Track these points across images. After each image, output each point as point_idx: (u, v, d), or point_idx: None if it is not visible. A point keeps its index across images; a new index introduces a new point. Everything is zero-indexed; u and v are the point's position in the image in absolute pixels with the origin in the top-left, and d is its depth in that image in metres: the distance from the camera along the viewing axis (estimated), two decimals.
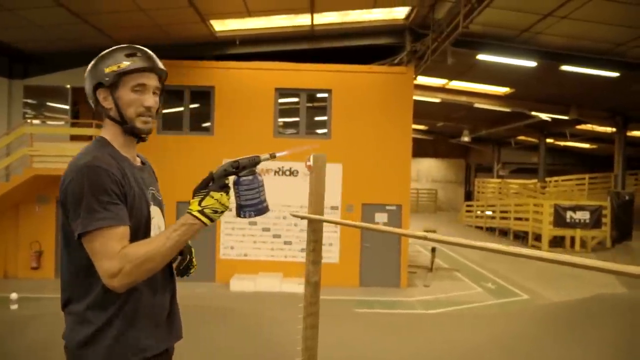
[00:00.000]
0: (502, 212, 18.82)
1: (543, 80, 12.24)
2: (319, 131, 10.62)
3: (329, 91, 10.25)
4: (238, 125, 10.20)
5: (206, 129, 10.46)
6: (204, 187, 1.48)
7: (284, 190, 10.07)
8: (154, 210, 1.58)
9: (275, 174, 10.17)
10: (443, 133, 25.50)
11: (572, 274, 11.89)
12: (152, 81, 1.54)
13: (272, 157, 1.63)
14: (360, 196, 10.23)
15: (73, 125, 10.16)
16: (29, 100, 10.65)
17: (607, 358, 5.03)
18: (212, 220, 1.45)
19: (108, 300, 1.43)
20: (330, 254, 10.22)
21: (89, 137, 9.39)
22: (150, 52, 1.57)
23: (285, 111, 10.72)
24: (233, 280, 9.73)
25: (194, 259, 1.75)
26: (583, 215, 14.89)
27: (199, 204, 1.44)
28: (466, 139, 21.24)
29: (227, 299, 8.09)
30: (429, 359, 5.60)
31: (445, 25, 7.97)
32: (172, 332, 1.66)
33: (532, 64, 10.22)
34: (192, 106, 10.53)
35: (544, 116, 15.84)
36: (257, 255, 10.24)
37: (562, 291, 9.85)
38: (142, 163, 1.69)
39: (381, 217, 10.30)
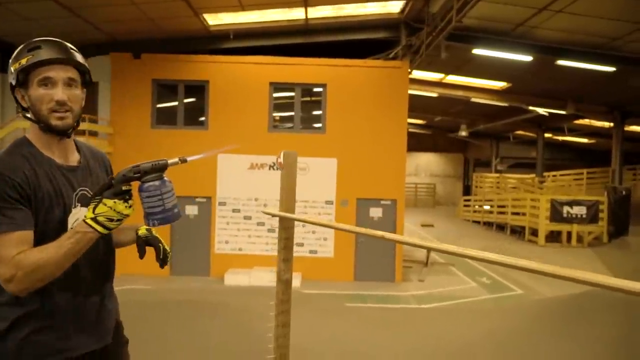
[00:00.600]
0: (499, 206, 18.82)
1: (539, 75, 12.19)
2: (314, 125, 10.58)
3: (323, 85, 10.21)
4: (233, 120, 10.17)
5: (201, 124, 10.43)
6: (99, 194, 1.41)
7: (278, 185, 10.03)
8: (80, 212, 1.51)
9: (270, 169, 10.15)
10: (441, 127, 25.44)
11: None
12: (61, 73, 1.44)
13: (183, 161, 1.51)
14: (355, 191, 10.22)
15: None
16: None
17: (600, 353, 5.04)
18: (108, 228, 1.39)
19: (20, 299, 1.41)
20: (325, 248, 10.23)
21: (83, 132, 9.36)
22: (61, 42, 1.49)
23: (280, 106, 10.69)
24: (227, 274, 9.74)
25: (166, 248, 1.70)
26: (580, 210, 14.89)
27: (93, 211, 1.38)
28: (464, 133, 21.19)
29: (221, 294, 8.10)
30: (422, 354, 5.61)
31: (440, 19, 7.92)
32: (97, 335, 1.61)
33: (528, 58, 10.17)
34: (186, 100, 10.50)
35: (542, 111, 15.78)
36: (252, 249, 10.24)
37: (556, 286, 9.85)
38: (80, 162, 1.61)
39: (376, 212, 10.30)
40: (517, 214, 17.23)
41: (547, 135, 21.65)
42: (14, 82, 1.45)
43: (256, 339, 5.05)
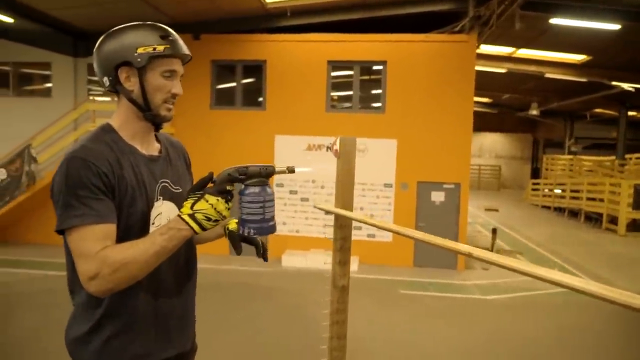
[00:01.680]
0: (572, 191, 17.48)
1: (627, 46, 10.91)
2: (373, 105, 10.19)
3: (383, 63, 9.75)
4: (290, 100, 10.03)
5: (258, 104, 10.38)
6: (199, 189, 1.31)
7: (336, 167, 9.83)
8: (162, 205, 1.42)
9: (327, 150, 9.94)
10: (509, 106, 23.93)
11: None
12: (180, 67, 1.46)
13: (290, 171, 1.44)
14: (415, 174, 9.78)
15: None
16: (93, 78, 11.10)
17: None
18: (203, 228, 1.27)
19: (99, 300, 1.31)
20: (384, 232, 9.93)
21: None
22: (177, 35, 1.47)
23: (338, 85, 10.37)
24: (285, 255, 9.76)
25: (264, 242, 1.57)
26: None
27: (191, 207, 1.28)
28: (534, 112, 19.74)
29: (277, 276, 8.09)
30: (483, 349, 5.27)
31: None
32: (178, 341, 1.50)
33: (614, 26, 9.08)
34: (244, 81, 10.47)
35: (626, 86, 14.25)
36: (309, 231, 10.17)
37: (638, 280, 8.96)
38: (161, 152, 1.52)
39: (438, 196, 9.81)
40: (594, 199, 15.90)
41: (630, 113, 19.64)
42: (136, 64, 1.36)
43: (309, 325, 4.94)
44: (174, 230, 1.26)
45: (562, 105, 19.36)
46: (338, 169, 1.86)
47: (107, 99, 11.19)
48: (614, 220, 14.59)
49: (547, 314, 7.00)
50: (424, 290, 8.18)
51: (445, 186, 9.80)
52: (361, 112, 10.02)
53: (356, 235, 10.50)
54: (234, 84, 10.43)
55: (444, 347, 5.09)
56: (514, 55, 13.23)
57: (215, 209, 1.28)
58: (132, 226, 1.34)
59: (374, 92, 10.21)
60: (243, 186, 1.35)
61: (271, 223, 1.39)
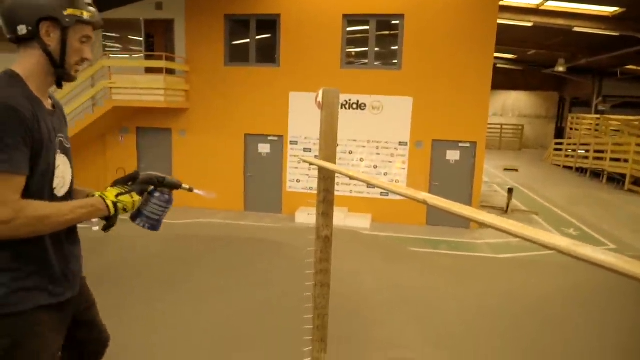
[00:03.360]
0: (596, 151, 17.00)
1: None
2: (390, 61, 9.92)
3: (401, 17, 9.41)
4: (304, 56, 9.85)
5: (273, 60, 10.23)
6: (125, 182, 1.60)
7: (351, 125, 9.76)
8: (60, 159, 1.51)
9: (342, 107, 9.83)
10: (535, 63, 22.97)
11: None
12: (93, 35, 1.58)
13: (190, 190, 1.77)
14: (430, 132, 9.64)
15: (147, 58, 10.42)
16: (109, 34, 11.06)
17: None
18: (116, 214, 1.53)
19: (3, 244, 1.37)
20: None
21: (160, 70, 9.61)
22: None
23: (353, 40, 10.10)
24: (298, 212, 9.91)
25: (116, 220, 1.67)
26: None
27: (117, 196, 1.53)
28: (561, 68, 18.96)
29: (289, 232, 8.24)
30: (493, 306, 5.32)
31: None
32: (76, 284, 1.63)
33: None
34: (258, 37, 10.28)
35: None
36: None
37: None
38: (53, 106, 1.57)
39: (453, 155, 9.70)
40: (618, 160, 15.46)
41: None
42: (64, 24, 1.44)
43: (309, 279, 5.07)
44: (94, 208, 1.48)
45: (591, 61, 18.48)
46: (321, 121, 1.86)
47: (125, 55, 11.19)
48: (637, 181, 14.23)
49: (559, 272, 6.99)
50: (434, 248, 8.25)
51: (460, 145, 9.66)
52: (377, 68, 9.80)
53: (370, 193, 10.49)
54: (247, 40, 10.26)
55: (455, 304, 5.17)
56: (542, 8, 12.58)
57: (133, 204, 1.56)
58: (42, 176, 1.42)
59: (390, 48, 9.92)
60: (154, 189, 1.64)
61: (160, 224, 1.69)
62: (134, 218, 1.65)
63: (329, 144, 1.86)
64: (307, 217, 9.72)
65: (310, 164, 1.98)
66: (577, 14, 12.70)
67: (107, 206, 1.49)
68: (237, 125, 10.34)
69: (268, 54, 10.31)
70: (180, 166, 10.63)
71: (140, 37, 10.73)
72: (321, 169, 1.87)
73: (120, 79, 9.65)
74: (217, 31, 10.11)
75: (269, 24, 10.08)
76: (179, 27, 10.31)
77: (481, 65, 9.26)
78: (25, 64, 1.45)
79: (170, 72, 9.95)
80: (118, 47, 11.32)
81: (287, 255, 5.69)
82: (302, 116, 10.03)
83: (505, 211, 11.02)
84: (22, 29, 1.41)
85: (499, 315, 4.70)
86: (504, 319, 4.62)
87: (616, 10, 12.15)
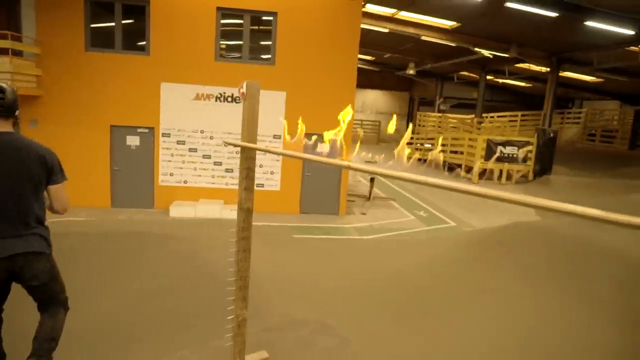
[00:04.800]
0: (440, 145, 19.63)
1: (488, 16, 12.35)
2: (263, 56, 10.24)
3: (274, 14, 9.78)
4: (177, 46, 9.60)
5: (141, 48, 9.76)
6: None
7: (225, 117, 9.85)
8: None
9: (216, 100, 9.85)
10: (390, 65, 25.46)
11: (494, 203, 12.90)
12: None
13: None
14: (304, 125, 10.20)
15: None
16: None
17: (520, 276, 5.66)
18: None
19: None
20: (272, 182, 10.35)
21: (6, 50, 8.48)
22: None
23: (228, 34, 10.17)
24: (173, 206, 9.67)
25: None
26: (512, 150, 15.95)
27: None
28: (412, 71, 21.39)
29: (166, 225, 8.08)
30: (361, 279, 6.02)
31: None
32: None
33: None
34: (125, 22, 9.70)
35: (486, 52, 16.17)
36: (198, 182, 10.15)
37: (485, 219, 10.73)
38: None
39: (323, 146, 10.41)
40: (456, 152, 18.13)
41: (488, 77, 22.35)
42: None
43: (199, 267, 5.19)
44: None
45: (435, 66, 21.24)
46: (244, 109, 2.11)
47: None
48: (469, 170, 16.89)
49: (414, 248, 8.12)
50: (310, 234, 8.86)
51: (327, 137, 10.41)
52: (251, 62, 10.03)
53: None
54: (112, 24, 9.61)
55: (331, 279, 5.73)
56: (396, 16, 14.10)
57: None
58: None
59: (264, 43, 10.23)
60: None
61: None
62: None
63: (251, 128, 2.11)
64: (182, 210, 9.57)
65: (235, 145, 2.21)
66: (425, 25, 14.54)
67: None
68: (101, 115, 9.64)
69: (136, 41, 9.80)
70: None
71: None
72: (244, 149, 2.11)
73: None
74: (75, 12, 9.27)
75: (137, 9, 9.58)
76: (26, 5, 9.19)
77: (347, 64, 10.13)
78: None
79: (17, 54, 8.83)
80: None
81: (171, 246, 5.67)
82: (175, 108, 9.79)
83: (368, 198, 12.22)
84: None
85: (370, 287, 5.39)
86: (375, 289, 5.33)
87: (454, 24, 14.23)
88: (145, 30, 9.57)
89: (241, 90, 2.08)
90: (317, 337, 3.94)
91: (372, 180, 12.61)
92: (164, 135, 9.94)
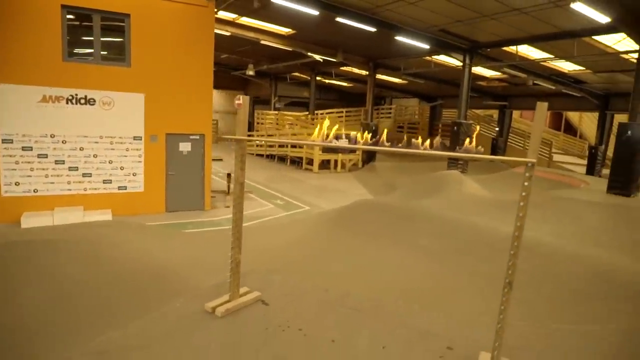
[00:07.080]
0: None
1: (321, 27, 14.21)
2: (118, 58, 10.11)
3: (127, 15, 9.78)
4: (17, 44, 8.87)
5: None
6: None
7: (79, 121, 9.51)
8: None
9: (68, 102, 9.41)
10: (226, 65, 26.15)
11: (336, 188, 15.00)
12: None
13: None
14: (163, 126, 10.46)
15: None
16: None
17: (368, 238, 7.31)
18: None
19: None
20: (135, 183, 10.34)
21: None
22: None
23: (78, 33, 9.74)
24: (24, 218, 8.96)
25: None
26: (344, 143, 18.42)
27: None
28: (251, 72, 22.53)
29: (41, 234, 7.62)
30: (246, 261, 6.92)
31: None
32: None
33: (315, 12, 11.86)
34: None
35: (317, 57, 18.26)
36: (51, 189, 9.56)
37: (332, 201, 12.56)
38: None
39: (185, 147, 10.84)
40: (296, 147, 19.98)
41: (318, 78, 24.93)
42: None
43: (111, 264, 5.44)
44: None
45: (271, 67, 22.79)
46: (239, 114, 2.91)
47: None
48: (310, 162, 18.90)
49: (277, 230, 9.30)
50: (184, 229, 9.31)
51: (191, 137, 10.90)
52: (105, 63, 9.83)
53: (107, 189, 10.55)
54: None
55: (225, 265, 6.51)
56: (237, 21, 15.01)
57: None
58: None
59: (119, 44, 10.11)
60: None
61: None
62: None
63: (244, 126, 2.90)
64: (38, 220, 8.95)
65: (232, 139, 2.96)
66: (264, 30, 15.79)
67: None
68: None
69: None
70: None
71: None
72: (239, 141, 2.92)
73: None
74: None
75: None
76: None
77: (203, 66, 10.74)
78: None
79: None
80: None
81: (70, 251, 5.72)
82: (18, 112, 9.05)
83: (227, 193, 12.98)
84: None
85: (266, 259, 6.37)
86: (276, 259, 6.34)
87: (290, 31, 15.81)
88: None
89: (237, 102, 2.88)
90: None
91: (228, 175, 13.40)
92: (4, 141, 9.09)
